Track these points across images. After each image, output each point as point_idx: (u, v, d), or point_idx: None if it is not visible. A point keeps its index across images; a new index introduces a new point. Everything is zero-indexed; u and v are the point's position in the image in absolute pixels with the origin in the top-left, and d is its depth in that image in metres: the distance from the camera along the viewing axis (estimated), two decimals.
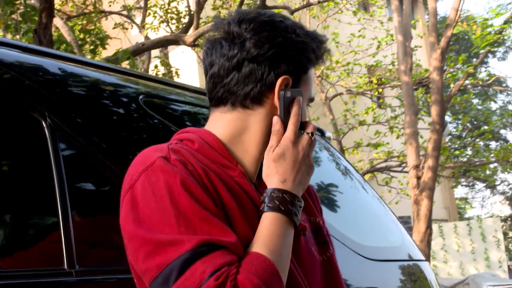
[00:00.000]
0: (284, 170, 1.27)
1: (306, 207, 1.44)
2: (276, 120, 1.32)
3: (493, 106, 25.85)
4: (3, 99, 1.72)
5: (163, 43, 9.17)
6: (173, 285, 1.11)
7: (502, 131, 27.41)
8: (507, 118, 22.42)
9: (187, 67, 13.29)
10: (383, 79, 15.04)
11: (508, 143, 20.24)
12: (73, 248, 1.54)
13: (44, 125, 1.67)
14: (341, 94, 15.32)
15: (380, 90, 15.63)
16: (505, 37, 13.77)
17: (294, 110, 1.31)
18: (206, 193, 1.19)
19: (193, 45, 8.25)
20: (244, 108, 1.34)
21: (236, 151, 1.34)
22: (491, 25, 11.98)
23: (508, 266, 18.51)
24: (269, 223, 1.22)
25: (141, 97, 2.04)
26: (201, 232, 1.14)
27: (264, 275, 1.13)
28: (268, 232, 1.20)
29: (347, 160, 2.94)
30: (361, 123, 14.31)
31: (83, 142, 1.72)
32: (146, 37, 10.27)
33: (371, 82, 15.10)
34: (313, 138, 1.33)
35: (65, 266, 1.52)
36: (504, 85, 22.40)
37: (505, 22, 11.87)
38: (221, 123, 1.36)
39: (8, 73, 1.77)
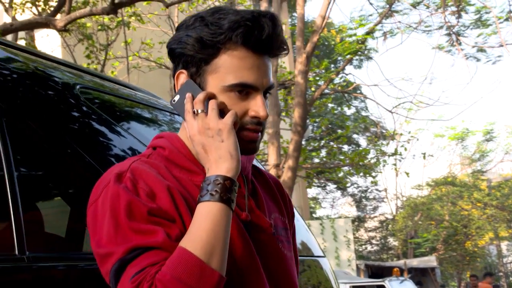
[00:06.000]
0: (206, 160, 1.28)
1: (279, 207, 1.52)
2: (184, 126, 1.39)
3: (347, 111, 27.10)
4: None
5: (33, 25, 8.54)
6: None
7: (355, 136, 28.82)
8: (360, 123, 23.59)
9: (52, 51, 12.58)
10: None
11: (361, 148, 21.26)
12: (23, 234, 1.52)
13: None
14: None
15: None
16: (366, 47, 14.45)
17: (186, 107, 1.33)
18: (146, 206, 1.23)
19: (64, 29, 7.76)
20: None
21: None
22: (355, 34, 12.49)
23: (357, 265, 19.47)
24: (205, 214, 1.22)
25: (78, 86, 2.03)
26: (131, 240, 1.20)
27: (181, 271, 1.14)
28: (202, 223, 1.21)
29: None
30: None
31: (32, 126, 1.71)
32: (13, 18, 9.57)
33: None
34: (201, 112, 1.31)
35: (16, 252, 1.50)
36: (358, 91, 23.52)
37: (368, 33, 12.43)
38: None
39: None
